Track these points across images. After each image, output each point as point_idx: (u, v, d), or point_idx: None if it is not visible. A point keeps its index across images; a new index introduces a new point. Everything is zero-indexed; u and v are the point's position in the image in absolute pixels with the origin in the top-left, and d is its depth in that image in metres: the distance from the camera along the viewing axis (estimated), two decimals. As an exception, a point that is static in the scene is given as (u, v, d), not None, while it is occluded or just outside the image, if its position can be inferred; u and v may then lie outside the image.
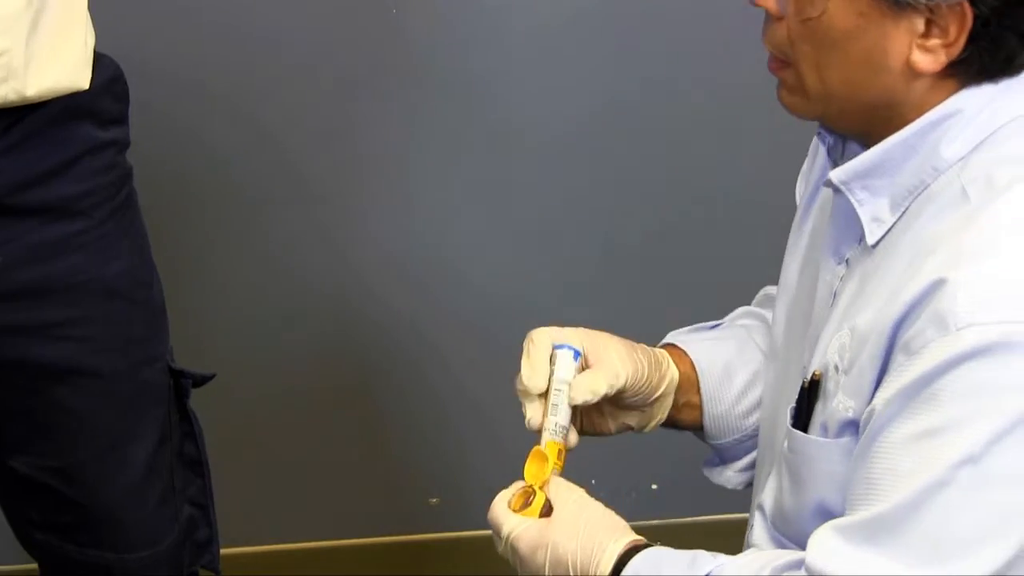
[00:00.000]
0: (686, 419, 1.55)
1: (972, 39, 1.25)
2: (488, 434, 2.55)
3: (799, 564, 1.24)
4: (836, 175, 1.32)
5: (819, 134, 1.40)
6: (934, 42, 1.25)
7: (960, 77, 1.27)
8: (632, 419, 1.53)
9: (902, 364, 1.21)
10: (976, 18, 1.24)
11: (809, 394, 1.34)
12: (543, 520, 1.39)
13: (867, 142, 1.32)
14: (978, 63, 1.26)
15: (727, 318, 1.62)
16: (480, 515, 2.66)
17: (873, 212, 1.31)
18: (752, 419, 1.55)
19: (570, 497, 1.39)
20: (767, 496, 1.42)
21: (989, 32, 1.25)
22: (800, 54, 1.30)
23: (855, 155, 1.32)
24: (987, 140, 1.27)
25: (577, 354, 1.47)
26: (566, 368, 1.46)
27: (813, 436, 1.33)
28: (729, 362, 1.55)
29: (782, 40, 1.32)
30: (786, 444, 1.37)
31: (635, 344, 1.51)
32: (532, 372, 1.45)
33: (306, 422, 2.56)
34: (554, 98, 2.47)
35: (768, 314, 1.58)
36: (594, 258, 2.53)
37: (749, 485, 1.57)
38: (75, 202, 1.57)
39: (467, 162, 2.51)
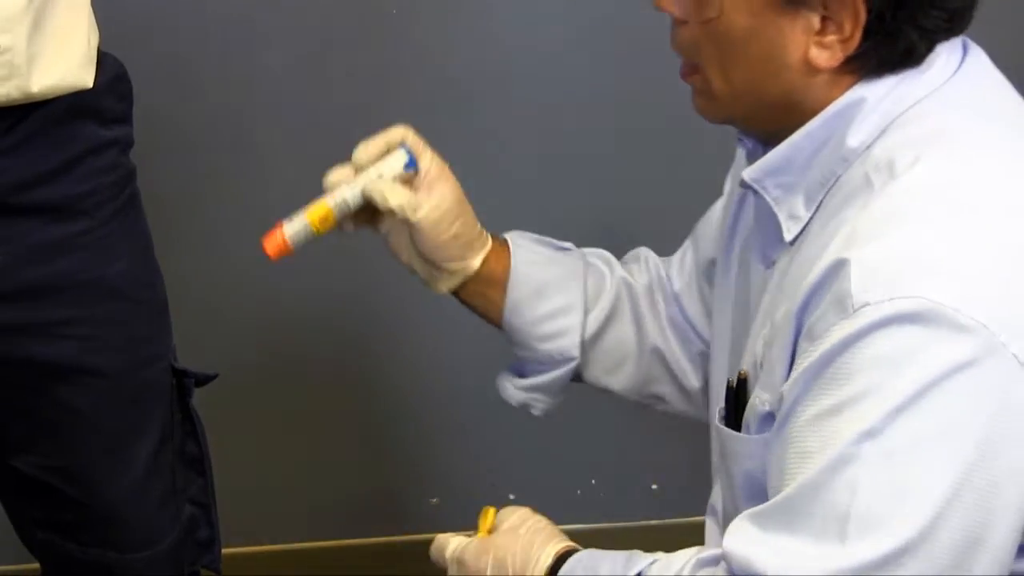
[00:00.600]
0: (479, 308, 1.57)
1: (868, 34, 1.26)
2: (489, 434, 2.56)
3: (718, 559, 1.25)
4: (748, 173, 1.34)
5: (739, 140, 1.42)
6: (830, 38, 1.27)
7: (860, 71, 1.29)
8: (418, 267, 1.54)
9: (806, 350, 1.22)
10: (870, 13, 1.25)
11: (737, 394, 1.35)
12: (488, 535, 1.43)
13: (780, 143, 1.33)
14: (876, 57, 1.28)
15: (584, 249, 1.64)
16: (480, 515, 2.67)
17: (789, 209, 1.33)
18: (548, 346, 1.57)
19: (514, 511, 1.43)
20: (717, 499, 1.43)
21: (884, 26, 1.26)
22: (705, 56, 1.32)
23: None
24: (890, 126, 1.29)
25: (412, 163, 1.49)
26: (389, 164, 1.48)
27: (739, 433, 1.34)
28: (546, 284, 1.57)
29: (688, 44, 1.34)
30: (718, 446, 1.38)
31: (470, 216, 1.53)
32: (362, 145, 1.50)
33: (307, 422, 2.56)
34: (555, 97, 2.47)
35: (619, 268, 1.62)
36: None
37: (525, 407, 1.62)
38: (78, 202, 1.57)
39: (467, 162, 2.51)
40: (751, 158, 1.38)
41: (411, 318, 2.51)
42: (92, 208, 1.58)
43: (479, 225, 1.55)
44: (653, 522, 2.56)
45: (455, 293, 1.57)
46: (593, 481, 2.63)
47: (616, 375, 1.61)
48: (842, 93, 1.29)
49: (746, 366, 1.35)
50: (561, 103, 2.48)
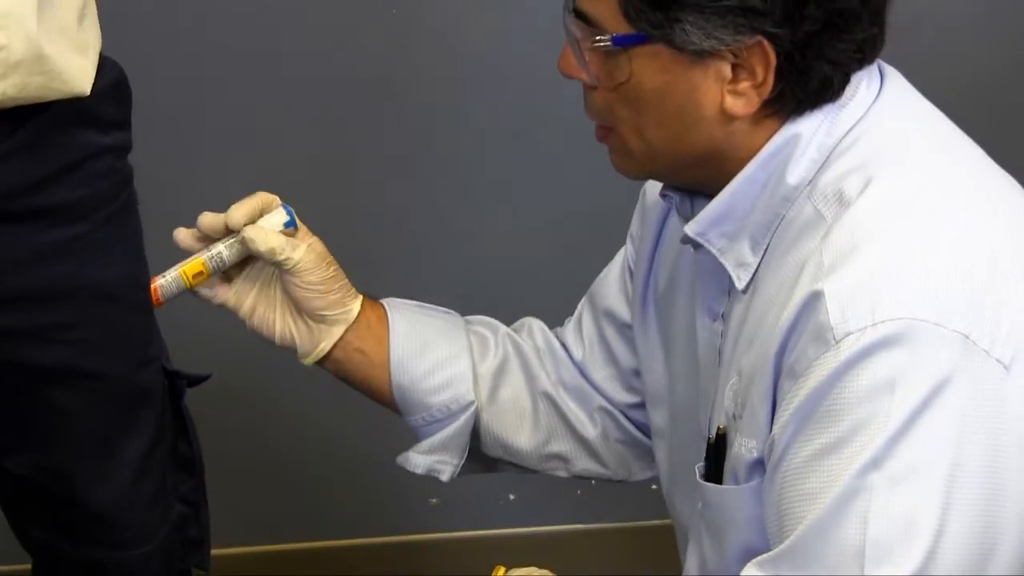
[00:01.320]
0: (357, 368, 1.56)
1: (781, 75, 1.26)
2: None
3: None
4: (691, 228, 1.33)
5: (664, 196, 1.40)
6: (744, 84, 1.27)
7: (780, 112, 1.28)
8: (295, 328, 1.54)
9: (790, 390, 1.21)
10: (779, 55, 1.25)
11: (716, 449, 1.34)
12: None
13: (711, 193, 1.32)
14: (793, 97, 1.28)
15: (466, 316, 1.63)
16: (480, 515, 2.68)
17: (736, 258, 1.32)
18: (442, 397, 1.55)
19: (525, 571, 1.40)
20: (692, 567, 1.41)
21: (796, 66, 1.26)
22: (618, 119, 1.32)
23: (703, 208, 1.33)
24: (829, 158, 1.28)
25: (292, 222, 1.52)
26: (270, 220, 1.51)
27: (726, 486, 1.32)
28: (429, 337, 1.56)
29: (601, 108, 1.33)
30: (700, 504, 1.36)
31: (337, 269, 1.54)
32: (236, 206, 1.53)
33: (306, 422, 2.56)
34: (557, 97, 2.47)
35: (503, 328, 1.61)
36: (600, 258, 2.53)
37: (432, 473, 1.58)
38: (75, 207, 1.56)
39: (468, 161, 2.51)
40: (680, 211, 1.38)
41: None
42: (89, 213, 1.57)
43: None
44: (653, 522, 2.56)
45: (331, 366, 1.57)
46: (593, 481, 2.62)
47: (517, 435, 1.59)
48: (768, 136, 1.29)
49: (720, 421, 1.34)
50: (562, 103, 2.47)
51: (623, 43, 1.28)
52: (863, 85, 1.30)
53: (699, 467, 1.35)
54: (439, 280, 2.55)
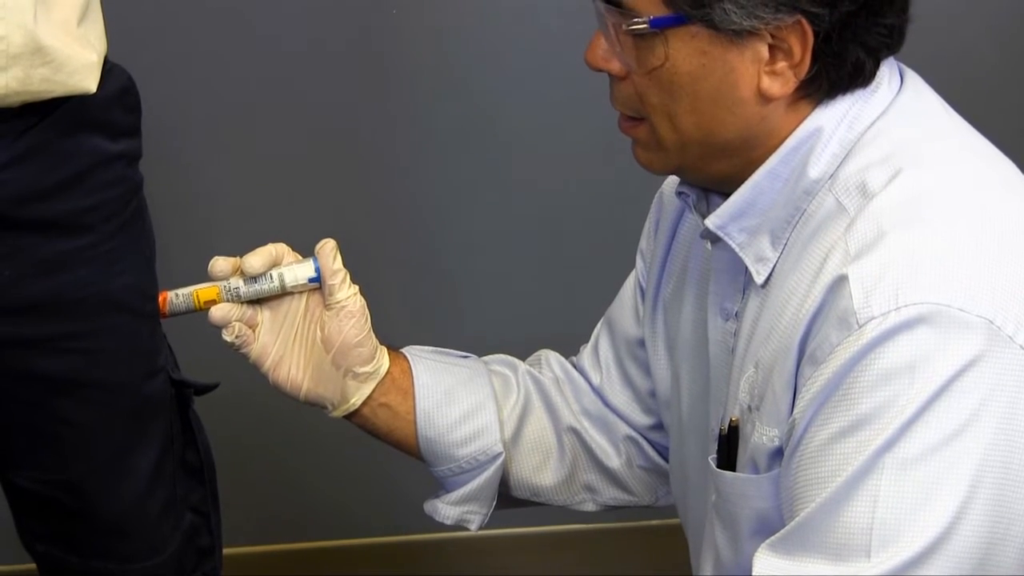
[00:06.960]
0: (384, 421, 1.53)
1: (816, 56, 1.26)
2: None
3: None
4: (711, 221, 1.32)
5: (680, 194, 1.39)
6: (781, 65, 1.27)
7: (813, 96, 1.29)
8: (327, 387, 1.50)
9: (811, 376, 1.21)
10: (816, 35, 1.25)
11: (729, 439, 1.34)
12: None
13: (729, 191, 1.32)
14: (827, 79, 1.28)
15: (484, 357, 1.61)
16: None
17: (756, 252, 1.32)
18: (470, 449, 1.53)
19: None
20: (706, 562, 1.41)
21: (832, 47, 1.26)
22: (650, 107, 1.30)
23: (720, 205, 1.33)
24: (851, 151, 1.28)
25: (317, 278, 1.46)
26: (294, 270, 1.47)
27: (744, 474, 1.31)
28: (452, 387, 1.53)
29: (630, 97, 1.32)
30: (714, 496, 1.36)
31: (369, 322, 1.50)
32: (253, 253, 1.46)
33: (306, 422, 2.55)
34: (556, 96, 2.47)
35: (522, 365, 1.59)
36: (596, 258, 2.53)
37: (461, 523, 1.56)
38: (83, 216, 1.55)
39: (467, 161, 2.51)
40: (697, 208, 1.37)
41: (409, 318, 2.51)
42: (98, 222, 1.57)
43: None
44: (653, 522, 2.56)
45: (356, 420, 1.53)
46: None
47: (543, 472, 1.58)
48: (800, 120, 1.29)
49: (733, 414, 1.34)
50: (561, 102, 2.48)
51: (660, 25, 1.26)
52: (885, 81, 1.30)
53: (712, 458, 1.35)
54: (439, 279, 2.55)
